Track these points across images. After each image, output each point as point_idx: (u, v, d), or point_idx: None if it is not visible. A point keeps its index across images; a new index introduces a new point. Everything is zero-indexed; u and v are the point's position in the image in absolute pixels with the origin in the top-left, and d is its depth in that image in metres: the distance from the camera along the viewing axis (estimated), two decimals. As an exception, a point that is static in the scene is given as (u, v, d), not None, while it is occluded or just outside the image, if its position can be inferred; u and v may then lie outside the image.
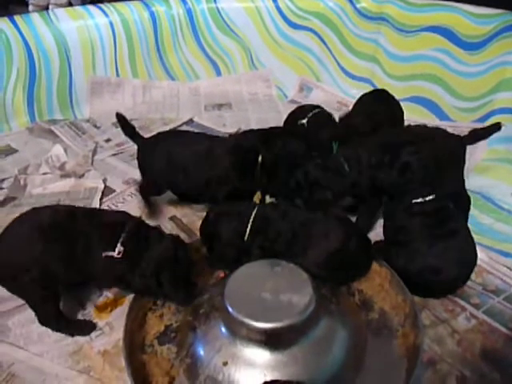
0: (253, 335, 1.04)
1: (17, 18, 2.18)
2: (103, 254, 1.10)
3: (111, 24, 2.33)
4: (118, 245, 1.10)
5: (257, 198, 1.54)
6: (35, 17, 2.21)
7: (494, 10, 1.93)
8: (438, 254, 1.21)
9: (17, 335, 1.19)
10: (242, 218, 1.24)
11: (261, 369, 1.02)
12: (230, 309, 1.06)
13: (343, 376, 1.05)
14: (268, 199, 1.38)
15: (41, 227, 1.09)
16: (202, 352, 1.07)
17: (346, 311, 1.19)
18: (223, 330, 1.08)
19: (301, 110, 1.76)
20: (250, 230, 1.23)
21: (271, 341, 1.03)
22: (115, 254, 1.10)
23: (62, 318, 1.18)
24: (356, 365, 1.08)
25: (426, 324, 1.20)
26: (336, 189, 1.39)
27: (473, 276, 1.33)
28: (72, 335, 1.18)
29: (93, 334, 1.17)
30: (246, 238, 1.23)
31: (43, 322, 1.17)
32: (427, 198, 1.27)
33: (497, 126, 1.58)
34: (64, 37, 2.23)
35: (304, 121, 1.69)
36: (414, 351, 1.08)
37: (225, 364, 1.03)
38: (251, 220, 1.24)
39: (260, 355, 1.03)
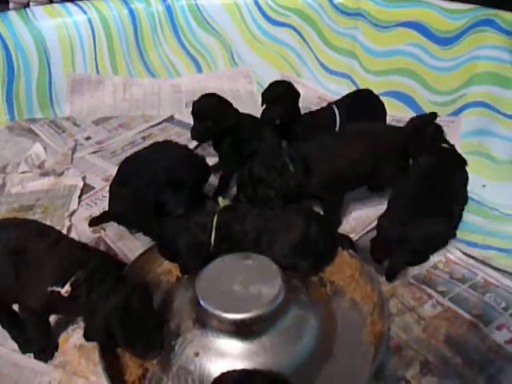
0: (223, 326, 1.07)
1: (-6, 16, 2.19)
2: (49, 289, 1.03)
3: (90, 21, 2.33)
4: (68, 283, 1.02)
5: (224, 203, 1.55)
6: (13, 15, 2.21)
7: (466, 5, 1.96)
8: None
9: (-6, 331, 1.21)
10: (203, 231, 1.25)
11: (231, 358, 1.05)
12: (202, 301, 1.09)
13: (312, 363, 1.09)
14: (222, 201, 1.40)
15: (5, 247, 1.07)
16: (174, 344, 1.10)
17: (317, 301, 1.23)
18: (195, 321, 1.11)
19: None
20: (215, 240, 1.25)
21: (241, 331, 1.07)
22: (62, 291, 1.02)
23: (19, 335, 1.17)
24: (325, 353, 1.12)
25: (394, 312, 1.24)
26: (279, 189, 1.40)
27: (441, 265, 1.38)
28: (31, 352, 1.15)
29: (69, 329, 1.19)
30: (211, 248, 1.24)
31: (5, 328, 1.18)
32: None
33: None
34: (42, 35, 2.24)
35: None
36: (381, 338, 1.12)
37: (196, 355, 1.07)
38: (213, 230, 1.25)
39: (230, 345, 1.07)
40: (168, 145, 1.60)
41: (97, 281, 1.02)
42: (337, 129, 1.73)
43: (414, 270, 1.37)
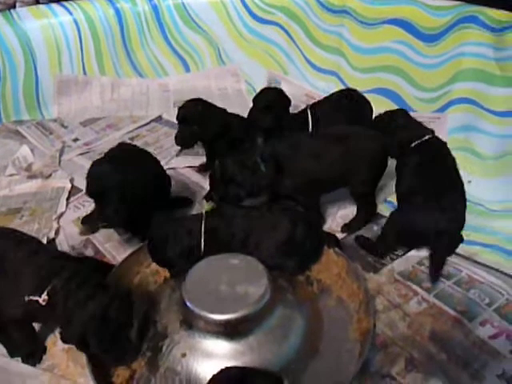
0: (210, 327, 1.08)
1: (-22, 18, 2.17)
2: (26, 298, 1.03)
3: (76, 22, 2.32)
4: (45, 292, 1.02)
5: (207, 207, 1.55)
6: (-3, 17, 2.20)
7: (450, 1, 1.97)
8: None
9: (-19, 336, 1.21)
10: (191, 235, 1.26)
11: (218, 359, 1.06)
12: (188, 302, 1.10)
13: (299, 361, 1.10)
14: (206, 205, 1.40)
15: None
16: (161, 345, 1.11)
17: (303, 300, 1.24)
18: (182, 323, 1.12)
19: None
20: (205, 244, 1.26)
21: (228, 331, 1.08)
22: (40, 299, 1.02)
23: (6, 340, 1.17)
24: (311, 351, 1.14)
25: (380, 309, 1.25)
26: (250, 188, 1.41)
27: (426, 261, 1.39)
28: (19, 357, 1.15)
29: (57, 331, 1.19)
30: (201, 252, 1.25)
31: None
32: None
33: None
34: (28, 36, 2.22)
35: None
36: (367, 336, 1.13)
37: (183, 355, 1.08)
38: (203, 235, 1.26)
39: (217, 346, 1.08)
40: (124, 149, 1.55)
41: (74, 288, 1.02)
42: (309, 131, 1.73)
43: (401, 266, 1.39)
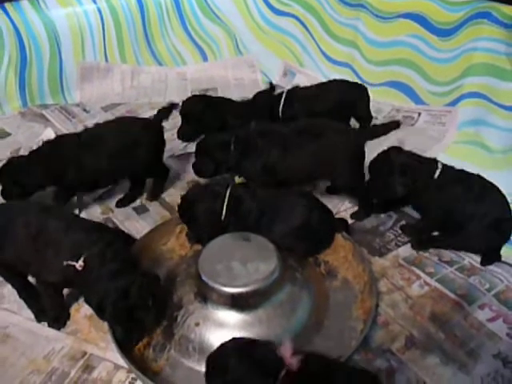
0: (222, 299, 1.16)
1: (7, 5, 2.25)
2: (64, 263, 1.11)
3: (99, 10, 2.39)
4: (82, 259, 1.10)
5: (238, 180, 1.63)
6: (25, 4, 2.28)
7: (465, -3, 2.01)
8: None
9: (11, 301, 1.31)
10: (216, 200, 1.34)
11: (229, 329, 1.14)
12: (203, 276, 1.18)
13: (305, 335, 1.18)
14: (237, 179, 1.49)
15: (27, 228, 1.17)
16: (177, 315, 1.19)
17: (311, 279, 1.32)
18: (196, 295, 1.20)
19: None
20: (226, 211, 1.34)
21: (239, 304, 1.16)
22: (77, 265, 1.10)
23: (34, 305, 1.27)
24: (317, 326, 1.21)
25: (383, 291, 1.32)
26: (220, 162, 1.53)
27: (431, 249, 1.45)
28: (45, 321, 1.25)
29: (80, 300, 1.28)
30: (223, 218, 1.34)
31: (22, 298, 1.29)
32: None
33: (395, 124, 1.88)
34: (54, 23, 2.30)
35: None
36: (369, 314, 1.20)
37: (197, 325, 1.16)
38: (226, 201, 1.34)
39: (229, 317, 1.16)
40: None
41: (108, 258, 1.10)
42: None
43: (406, 252, 1.45)
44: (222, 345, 0.97)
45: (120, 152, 1.53)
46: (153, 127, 1.65)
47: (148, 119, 1.77)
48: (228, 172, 1.58)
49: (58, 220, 1.18)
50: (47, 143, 1.59)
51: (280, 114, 1.79)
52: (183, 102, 1.82)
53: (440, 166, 1.40)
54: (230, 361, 0.91)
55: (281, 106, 1.79)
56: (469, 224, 1.36)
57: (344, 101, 1.84)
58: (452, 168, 1.43)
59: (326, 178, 1.58)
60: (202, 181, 1.65)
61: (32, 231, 1.15)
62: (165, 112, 1.86)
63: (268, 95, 1.94)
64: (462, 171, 1.43)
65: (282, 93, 1.84)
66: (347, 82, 1.95)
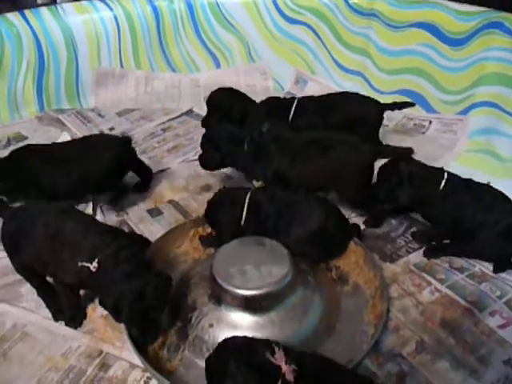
0: (236, 301, 1.19)
1: (27, 12, 2.31)
2: (79, 264, 1.13)
3: (115, 18, 2.45)
4: (96, 260, 1.12)
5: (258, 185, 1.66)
6: (44, 11, 2.34)
7: (476, 7, 2.02)
8: None
9: (29, 300, 1.34)
10: (237, 205, 1.38)
11: (242, 330, 1.15)
12: (217, 278, 1.21)
13: (316, 338, 1.20)
14: (255, 183, 1.53)
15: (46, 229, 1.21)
16: (191, 316, 1.21)
17: (323, 284, 1.33)
18: (210, 297, 1.23)
19: None
20: (246, 216, 1.37)
21: (251, 306, 1.18)
22: (91, 266, 1.12)
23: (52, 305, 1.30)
24: (328, 329, 1.23)
25: (394, 296, 1.33)
26: (225, 157, 1.59)
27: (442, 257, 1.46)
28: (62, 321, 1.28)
29: (96, 300, 1.31)
30: (242, 222, 1.37)
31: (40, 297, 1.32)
32: None
33: (408, 151, 1.88)
34: (71, 30, 2.36)
35: None
36: (381, 319, 1.22)
37: (211, 326, 1.18)
38: (246, 206, 1.37)
39: (242, 318, 1.18)
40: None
41: (122, 260, 1.12)
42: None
43: (417, 259, 1.46)
44: (221, 346, 0.99)
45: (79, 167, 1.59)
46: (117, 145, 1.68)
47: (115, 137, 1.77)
48: (233, 167, 1.64)
49: (75, 222, 1.21)
50: (15, 152, 1.63)
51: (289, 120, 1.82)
52: (211, 94, 1.90)
53: (446, 176, 1.42)
54: (230, 366, 0.91)
55: (291, 114, 1.82)
56: (479, 232, 1.37)
57: (356, 116, 1.82)
58: (459, 177, 1.45)
59: (333, 190, 1.58)
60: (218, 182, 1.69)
61: (50, 232, 1.18)
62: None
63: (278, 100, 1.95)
64: (469, 180, 1.44)
65: (294, 99, 1.86)
66: (362, 96, 1.93)
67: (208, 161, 1.65)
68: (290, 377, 0.90)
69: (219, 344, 1.00)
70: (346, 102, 1.87)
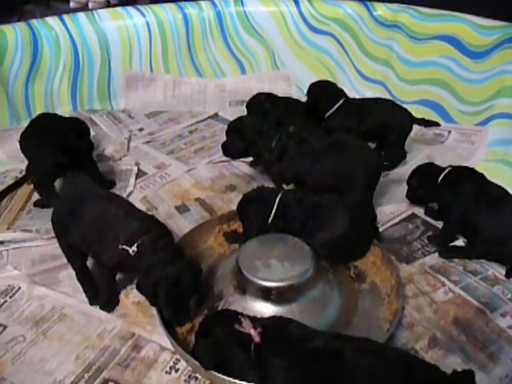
0: (260, 292, 1.27)
1: (65, 17, 2.45)
2: (120, 247, 1.23)
3: (148, 24, 2.56)
4: (135, 245, 1.22)
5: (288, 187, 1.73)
6: (81, 16, 2.47)
7: (498, 22, 2.08)
8: None
9: (66, 285, 1.44)
10: (267, 204, 1.46)
11: (265, 320, 1.24)
12: (243, 270, 1.29)
13: (334, 330, 1.25)
14: (285, 186, 1.63)
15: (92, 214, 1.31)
16: (217, 305, 1.30)
17: (341, 281, 1.41)
18: (236, 288, 1.31)
19: None
20: (274, 215, 1.45)
21: (274, 297, 1.26)
22: (130, 250, 1.22)
23: (89, 285, 1.40)
24: (346, 323, 1.30)
25: (409, 295, 1.40)
26: (247, 147, 1.71)
27: (456, 259, 1.52)
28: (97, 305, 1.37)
29: (128, 287, 1.41)
30: (269, 221, 1.45)
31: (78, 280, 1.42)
32: None
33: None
34: (105, 35, 2.48)
35: None
36: (395, 315, 1.29)
37: (236, 315, 1.26)
38: (275, 206, 1.46)
39: (265, 309, 1.26)
40: None
41: (160, 246, 1.22)
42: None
43: (432, 261, 1.52)
44: (214, 314, 1.18)
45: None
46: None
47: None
48: (255, 158, 1.76)
49: (118, 207, 1.31)
50: None
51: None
52: (251, 98, 2.09)
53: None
54: (215, 328, 1.08)
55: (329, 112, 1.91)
56: (490, 232, 1.45)
57: (389, 122, 1.91)
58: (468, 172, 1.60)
59: (342, 191, 1.62)
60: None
61: (95, 215, 1.29)
62: None
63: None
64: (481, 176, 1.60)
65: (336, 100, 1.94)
66: (396, 103, 2.01)
67: (230, 148, 1.74)
68: (257, 338, 1.04)
69: (212, 314, 1.18)
70: (381, 107, 1.95)
